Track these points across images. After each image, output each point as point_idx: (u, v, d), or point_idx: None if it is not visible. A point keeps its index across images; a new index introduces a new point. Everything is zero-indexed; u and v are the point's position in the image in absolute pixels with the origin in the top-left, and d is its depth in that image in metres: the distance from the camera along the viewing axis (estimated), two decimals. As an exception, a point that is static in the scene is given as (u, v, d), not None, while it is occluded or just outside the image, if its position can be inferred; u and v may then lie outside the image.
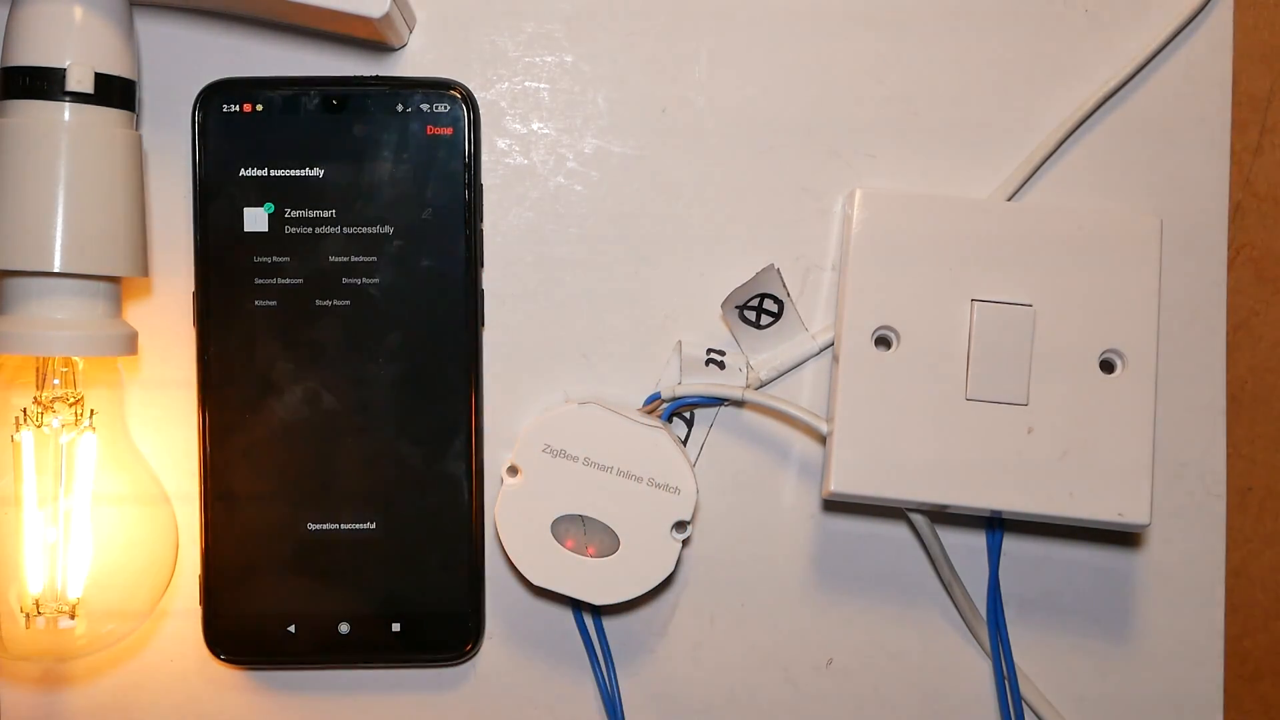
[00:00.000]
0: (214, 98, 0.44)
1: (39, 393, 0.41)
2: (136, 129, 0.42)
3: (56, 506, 0.41)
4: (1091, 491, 0.42)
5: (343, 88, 0.44)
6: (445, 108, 0.44)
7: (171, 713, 0.46)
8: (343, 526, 0.44)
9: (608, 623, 0.46)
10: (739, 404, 0.46)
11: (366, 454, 0.44)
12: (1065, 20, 0.46)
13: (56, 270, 0.39)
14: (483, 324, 0.45)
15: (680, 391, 0.44)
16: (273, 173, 0.44)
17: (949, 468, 0.42)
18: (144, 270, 0.42)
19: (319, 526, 0.44)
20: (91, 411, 0.42)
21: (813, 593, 0.46)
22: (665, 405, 0.45)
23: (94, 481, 0.42)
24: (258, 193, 0.44)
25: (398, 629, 0.44)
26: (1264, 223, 0.47)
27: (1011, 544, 0.46)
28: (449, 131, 0.44)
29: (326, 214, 0.44)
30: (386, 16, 0.41)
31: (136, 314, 0.45)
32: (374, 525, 0.44)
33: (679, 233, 0.46)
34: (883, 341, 0.43)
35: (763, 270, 0.44)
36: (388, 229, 0.44)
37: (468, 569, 0.44)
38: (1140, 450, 0.42)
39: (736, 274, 0.45)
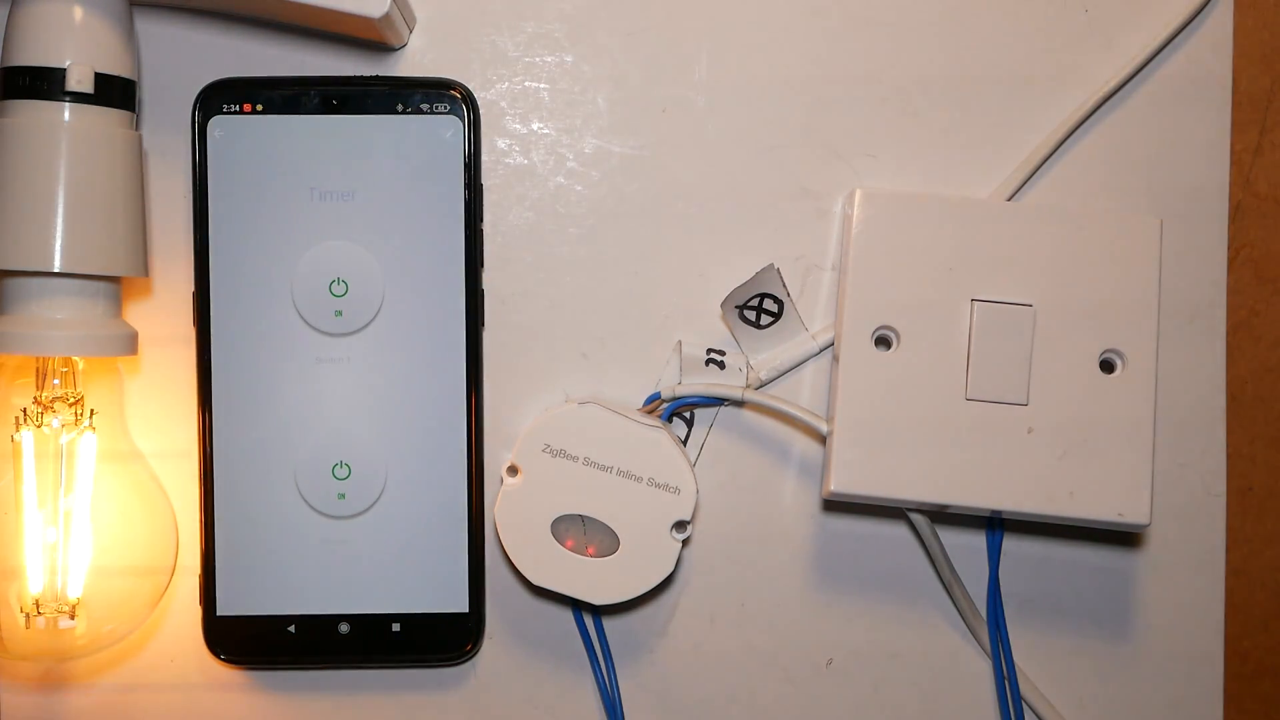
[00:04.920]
0: (214, 98, 0.44)
1: (39, 393, 0.41)
2: (136, 129, 0.42)
3: (56, 506, 0.41)
4: (1091, 491, 0.42)
5: (343, 88, 0.44)
6: (445, 108, 0.44)
7: (171, 713, 0.46)
8: (343, 526, 0.44)
9: (608, 623, 0.46)
10: (739, 404, 0.46)
11: (367, 454, 0.44)
12: (1065, 20, 0.46)
13: (56, 270, 0.39)
14: (483, 324, 0.45)
15: (680, 391, 0.44)
16: (272, 173, 0.44)
17: (949, 468, 0.42)
18: (144, 270, 0.42)
19: (320, 526, 0.44)
20: (91, 411, 0.42)
21: (813, 593, 0.46)
22: (665, 405, 0.45)
23: (94, 481, 0.42)
24: (257, 192, 0.44)
25: (398, 629, 0.44)
26: (1264, 223, 0.47)
27: (1011, 544, 0.46)
28: (449, 132, 0.44)
29: (327, 214, 0.44)
30: (386, 16, 0.41)
31: (136, 314, 0.45)
32: (374, 525, 0.44)
33: (679, 233, 0.46)
34: (883, 341, 0.43)
35: (763, 270, 0.44)
36: (388, 229, 0.44)
37: (468, 569, 0.44)
38: (1140, 450, 0.42)
39: (736, 274, 0.45)
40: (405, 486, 0.44)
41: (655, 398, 0.45)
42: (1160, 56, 0.46)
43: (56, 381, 0.42)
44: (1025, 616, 0.46)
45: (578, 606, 0.46)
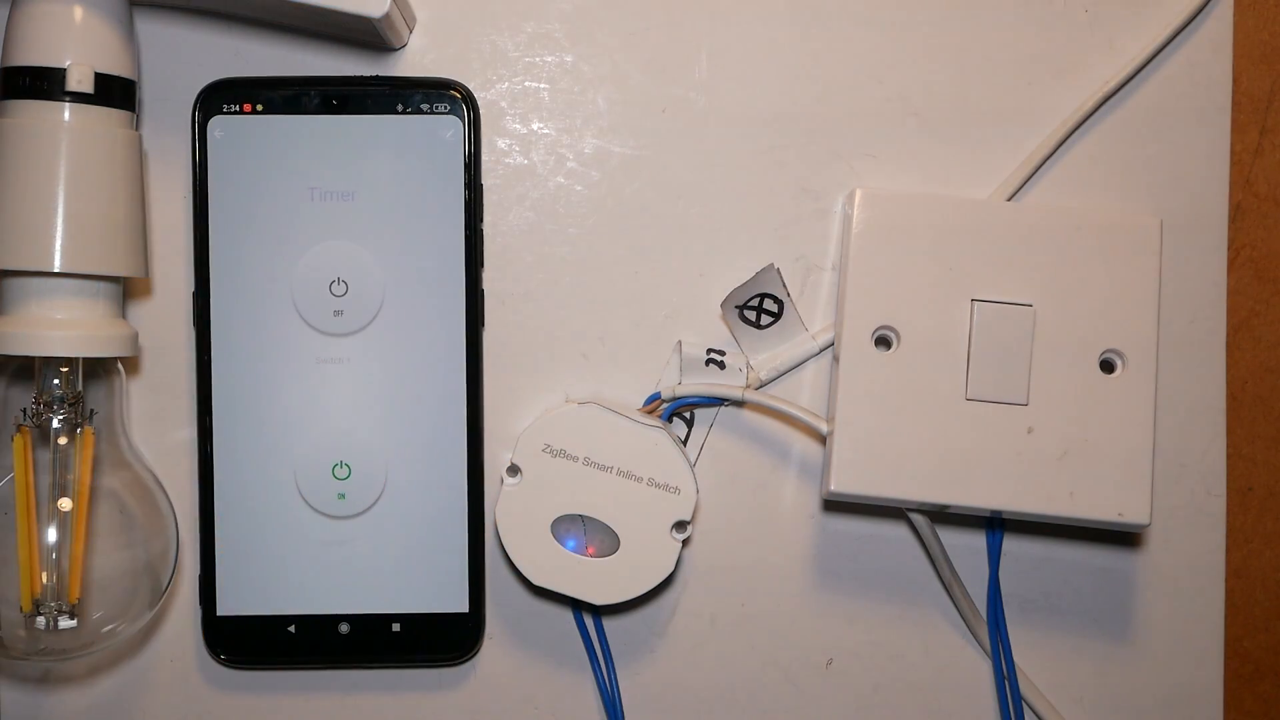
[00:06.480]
0: (214, 98, 0.44)
1: (39, 393, 0.41)
2: (136, 129, 0.42)
3: (56, 506, 0.41)
4: (1091, 491, 0.42)
5: (343, 88, 0.44)
6: (445, 108, 0.44)
7: (171, 713, 0.46)
8: (343, 526, 0.44)
9: (608, 623, 0.46)
10: (739, 404, 0.46)
11: (367, 454, 0.44)
12: (1065, 20, 0.46)
13: (56, 270, 0.39)
14: (483, 324, 0.45)
15: (680, 391, 0.44)
16: (272, 173, 0.44)
17: (949, 468, 0.42)
18: (144, 270, 0.42)
19: (320, 526, 0.44)
20: (91, 411, 0.42)
21: (813, 593, 0.46)
22: (665, 405, 0.45)
23: (94, 481, 0.42)
24: (257, 192, 0.44)
25: (398, 629, 0.44)
26: (1264, 223, 0.47)
27: (1011, 544, 0.46)
28: (449, 132, 0.44)
29: (327, 214, 0.44)
30: (386, 16, 0.41)
31: (136, 314, 0.45)
32: (374, 525, 0.44)
33: (679, 233, 0.46)
34: (883, 341, 0.43)
35: (763, 270, 0.44)
36: (388, 229, 0.44)
37: (468, 569, 0.44)
38: (1140, 450, 0.42)
39: (736, 274, 0.45)
40: (405, 486, 0.44)
41: (655, 398, 0.45)
42: (1160, 56, 0.46)
43: (56, 381, 0.42)
44: (1025, 616, 0.46)
45: (578, 606, 0.46)
